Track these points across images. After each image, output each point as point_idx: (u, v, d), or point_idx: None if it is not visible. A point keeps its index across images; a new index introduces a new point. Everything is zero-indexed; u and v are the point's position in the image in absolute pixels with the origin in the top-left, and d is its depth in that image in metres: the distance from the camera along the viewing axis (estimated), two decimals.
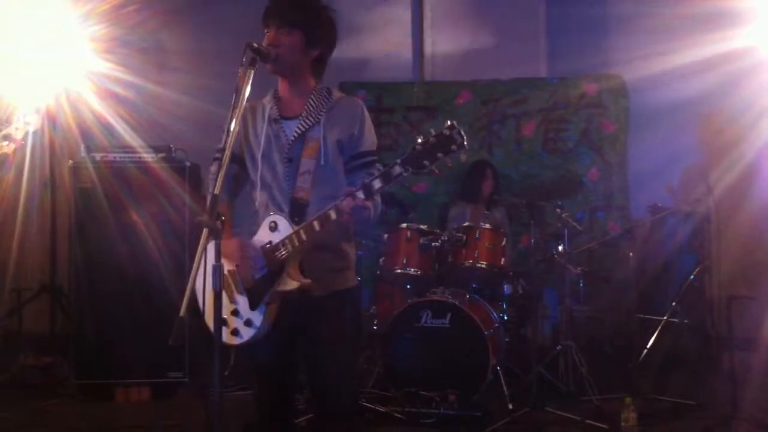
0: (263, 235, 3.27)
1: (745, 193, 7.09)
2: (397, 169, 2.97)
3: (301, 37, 3.32)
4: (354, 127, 3.37)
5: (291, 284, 3.21)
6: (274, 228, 3.25)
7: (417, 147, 2.96)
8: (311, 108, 3.36)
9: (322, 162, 3.30)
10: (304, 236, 3.17)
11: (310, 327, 3.33)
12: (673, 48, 7.01)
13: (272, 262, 3.23)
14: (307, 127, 3.33)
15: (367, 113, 3.44)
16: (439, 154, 2.93)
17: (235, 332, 3.27)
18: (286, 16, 3.30)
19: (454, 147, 2.94)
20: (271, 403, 3.45)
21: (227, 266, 3.22)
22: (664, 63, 7.04)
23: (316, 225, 3.15)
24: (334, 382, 3.37)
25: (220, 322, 2.96)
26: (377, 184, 3.03)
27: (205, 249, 2.91)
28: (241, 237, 3.34)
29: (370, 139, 3.41)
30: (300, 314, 3.28)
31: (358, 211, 3.09)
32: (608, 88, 7.63)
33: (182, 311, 2.76)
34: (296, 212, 3.28)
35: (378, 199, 3.26)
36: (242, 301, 3.29)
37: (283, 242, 3.21)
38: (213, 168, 3.40)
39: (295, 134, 3.33)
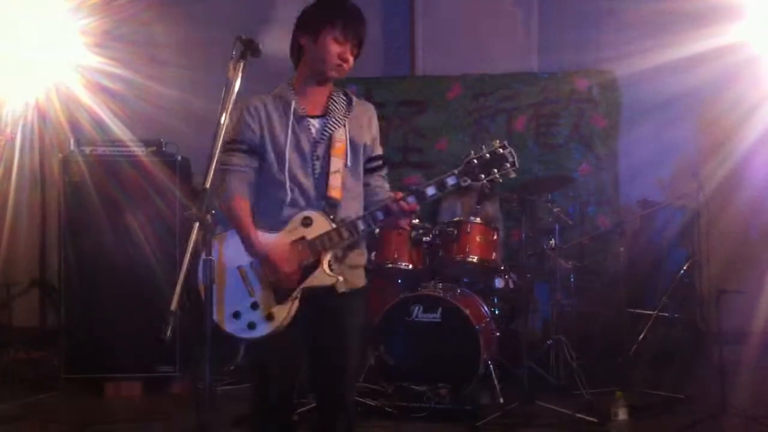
0: (293, 230, 3.30)
1: (735, 188, 7.11)
2: (453, 180, 3.18)
3: (357, 52, 3.42)
4: (372, 131, 3.51)
5: (327, 280, 3.28)
6: (308, 224, 3.29)
7: (473, 161, 3.16)
8: (335, 109, 3.42)
9: (349, 163, 3.39)
10: (346, 234, 3.26)
11: (331, 320, 3.37)
12: (665, 43, 7.02)
13: (305, 257, 3.27)
14: (334, 127, 3.39)
15: (377, 118, 3.57)
16: (494, 170, 3.16)
17: (252, 326, 3.28)
18: (363, 36, 3.39)
19: (507, 165, 3.16)
20: (274, 397, 3.45)
21: (246, 260, 3.27)
22: (655, 58, 7.05)
23: (361, 224, 3.27)
24: (347, 373, 3.43)
25: (211, 315, 2.97)
26: (431, 191, 3.22)
27: (196, 243, 2.91)
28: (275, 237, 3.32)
29: (379, 143, 3.56)
30: (323, 308, 3.32)
31: (408, 214, 3.24)
32: (599, 83, 7.62)
33: (173, 305, 2.76)
34: (330, 210, 3.33)
35: None
36: (264, 295, 3.29)
37: (321, 238, 3.26)
38: (232, 159, 3.35)
39: (323, 133, 3.38)
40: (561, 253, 6.33)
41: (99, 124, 7.08)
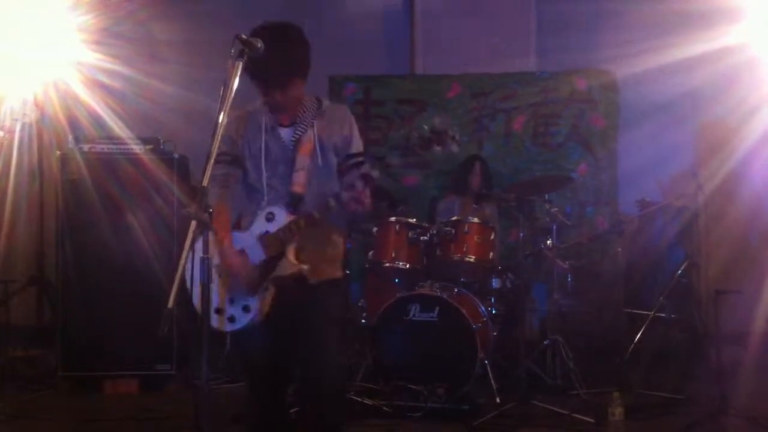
0: (259, 226, 3.52)
1: (734, 189, 7.12)
2: (395, 159, 3.41)
3: (300, 79, 3.56)
4: (345, 130, 3.67)
5: (290, 268, 3.46)
6: (271, 218, 3.50)
7: (414, 140, 3.35)
8: (304, 115, 3.62)
9: (320, 162, 3.58)
10: (302, 223, 3.44)
11: (302, 313, 3.52)
12: (665, 44, 7.02)
13: (271, 249, 3.46)
14: (302, 132, 3.59)
15: (353, 117, 3.75)
16: (437, 148, 3.47)
17: (232, 319, 3.48)
18: (283, 75, 3.49)
19: (450, 143, 3.45)
20: (265, 392, 3.61)
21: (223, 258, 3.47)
22: (654, 59, 7.05)
23: (316, 213, 3.43)
24: (321, 364, 3.54)
25: (208, 313, 3.00)
26: (375, 174, 3.41)
27: (193, 241, 2.92)
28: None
29: (358, 141, 3.70)
30: (293, 301, 3.47)
31: (358, 199, 3.35)
32: (598, 83, 7.64)
33: (170, 303, 2.76)
34: (293, 204, 3.53)
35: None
36: (239, 289, 3.48)
37: (282, 229, 3.46)
38: (217, 169, 3.46)
39: (293, 140, 3.59)
40: (558, 253, 6.33)
41: (97, 122, 7.08)
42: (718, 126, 7.31)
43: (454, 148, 3.43)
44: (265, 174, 3.57)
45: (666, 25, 7.31)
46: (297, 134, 3.58)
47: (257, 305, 3.45)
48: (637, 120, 7.55)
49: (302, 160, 3.54)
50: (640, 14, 7.54)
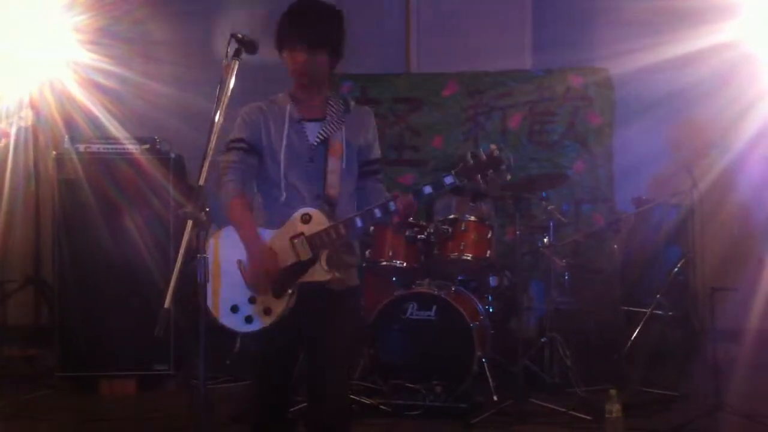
0: (292, 227, 3.38)
1: (730, 186, 7.12)
2: (450, 179, 3.27)
3: (327, 53, 3.46)
4: (369, 134, 3.62)
5: (324, 275, 3.35)
6: (307, 220, 3.37)
7: (469, 162, 3.26)
8: (332, 113, 3.54)
9: (344, 165, 3.49)
10: (343, 230, 3.34)
11: (322, 320, 3.43)
12: (660, 41, 7.03)
13: (304, 252, 3.35)
14: (330, 131, 3.50)
15: (374, 121, 3.69)
16: (490, 171, 3.26)
17: (249, 319, 3.36)
18: (317, 37, 3.42)
19: (503, 167, 3.27)
20: (271, 393, 3.54)
21: (244, 255, 3.35)
22: (650, 56, 7.06)
23: (359, 221, 3.35)
24: (336, 372, 3.47)
25: (205, 313, 2.98)
26: (427, 190, 3.30)
27: (190, 241, 2.92)
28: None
29: (378, 147, 3.67)
30: (312, 307, 3.37)
31: (407, 208, 3.31)
32: (594, 80, 7.64)
33: (167, 303, 2.76)
34: (328, 208, 3.43)
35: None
36: (261, 289, 3.36)
37: (320, 234, 3.34)
38: (232, 156, 3.48)
39: (319, 137, 3.49)
40: (555, 250, 6.34)
41: (93, 122, 7.06)
42: (714, 122, 7.30)
43: (507, 176, 3.40)
44: (282, 169, 3.46)
45: (661, 22, 7.31)
46: (324, 132, 3.49)
47: (281, 308, 3.33)
48: (633, 117, 7.55)
49: (333, 162, 3.46)
50: (636, 11, 7.54)
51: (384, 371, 5.66)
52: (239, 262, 3.34)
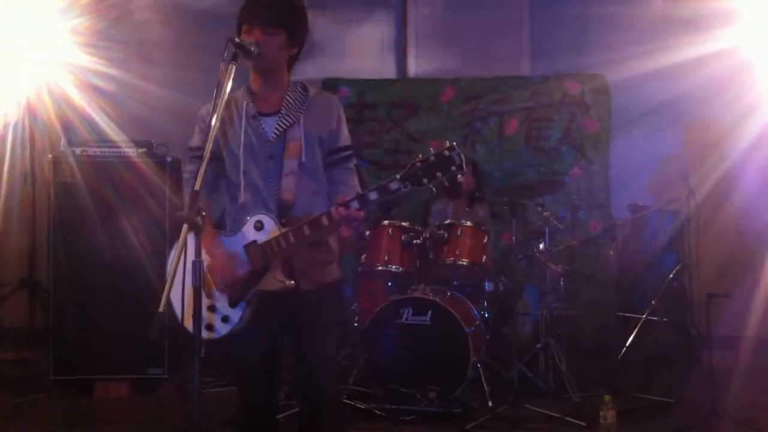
0: (247, 234, 3.31)
1: (727, 193, 7.13)
2: (396, 184, 3.09)
3: (284, 36, 3.36)
4: (332, 122, 3.47)
5: (275, 284, 3.26)
6: (260, 227, 3.29)
7: (417, 164, 3.07)
8: (289, 105, 3.42)
9: (303, 159, 3.36)
10: (292, 239, 3.23)
11: (298, 320, 3.38)
12: (657, 48, 7.04)
13: (257, 261, 3.27)
14: (287, 125, 3.39)
15: (341, 108, 3.54)
16: (438, 174, 3.05)
17: (209, 327, 3.30)
18: (273, 16, 3.33)
19: (453, 168, 3.05)
20: (256, 395, 3.50)
21: (206, 262, 3.25)
22: (647, 63, 7.07)
23: (306, 229, 3.23)
24: (322, 372, 3.43)
25: (200, 317, 2.98)
26: (373, 196, 3.15)
27: (184, 245, 2.91)
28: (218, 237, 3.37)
29: (345, 134, 3.52)
30: (287, 307, 3.32)
31: (351, 221, 3.19)
32: (591, 87, 7.66)
33: (161, 306, 2.76)
34: (282, 213, 3.33)
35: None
36: (220, 298, 3.32)
37: (270, 243, 3.26)
38: (190, 167, 3.46)
39: (276, 132, 3.39)
40: (551, 256, 6.34)
41: (90, 125, 7.06)
42: (711, 129, 7.31)
43: (459, 177, 3.18)
44: (242, 169, 3.37)
45: (658, 28, 7.33)
46: (281, 127, 3.38)
47: (238, 316, 3.28)
48: (630, 124, 7.57)
49: (290, 163, 3.35)
50: (632, 18, 7.56)
51: (379, 376, 5.65)
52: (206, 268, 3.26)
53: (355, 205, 3.16)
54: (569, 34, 7.86)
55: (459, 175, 3.06)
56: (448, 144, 3.07)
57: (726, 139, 7.14)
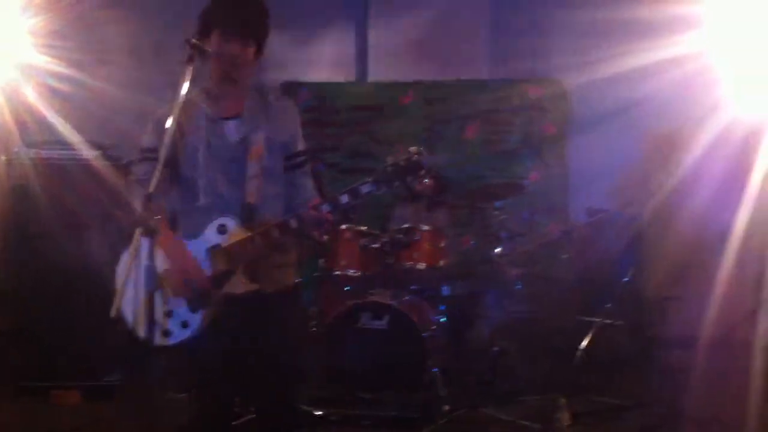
0: (209, 237, 3.29)
1: (684, 197, 7.19)
2: (367, 187, 3.17)
3: (256, 48, 3.38)
4: (292, 128, 3.50)
5: (240, 288, 3.25)
6: (223, 230, 3.28)
7: (388, 168, 3.15)
8: (250, 109, 3.42)
9: (266, 163, 3.36)
10: (260, 242, 3.24)
11: (259, 323, 3.34)
12: (616, 52, 7.07)
13: (221, 264, 3.26)
14: (249, 129, 3.38)
15: (298, 113, 3.58)
16: (409, 178, 3.18)
17: (166, 333, 3.25)
18: (252, 31, 3.36)
19: (422, 172, 3.21)
20: (212, 401, 3.46)
21: (164, 266, 3.23)
22: (606, 68, 7.10)
23: (275, 232, 3.24)
24: (279, 377, 3.41)
25: (154, 323, 2.94)
26: (344, 199, 3.19)
27: (138, 248, 2.88)
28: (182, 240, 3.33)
29: (302, 140, 3.54)
30: (249, 311, 3.29)
31: (321, 224, 3.23)
32: (550, 91, 7.72)
33: (113, 312, 2.73)
34: (247, 216, 3.31)
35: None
36: (179, 302, 3.27)
37: (235, 246, 3.25)
38: (141, 168, 3.41)
39: (238, 136, 3.38)
40: (509, 260, 6.37)
41: (46, 126, 6.95)
42: (669, 134, 7.37)
43: (425, 181, 3.29)
44: (204, 173, 3.35)
45: (619, 33, 7.36)
46: (243, 131, 3.37)
47: (198, 321, 3.24)
48: (588, 128, 7.61)
49: (253, 167, 3.33)
50: (593, 23, 7.59)
51: (336, 381, 5.64)
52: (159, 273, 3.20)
53: (326, 207, 3.20)
54: (529, 38, 7.90)
55: (426, 180, 3.17)
56: (416, 149, 3.16)
57: (684, 144, 7.19)
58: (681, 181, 7.08)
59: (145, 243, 2.94)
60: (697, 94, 7.06)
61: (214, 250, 3.27)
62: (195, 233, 3.32)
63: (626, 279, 6.52)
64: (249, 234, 3.24)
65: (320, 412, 5.43)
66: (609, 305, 6.49)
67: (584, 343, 6.35)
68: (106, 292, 5.61)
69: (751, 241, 5.64)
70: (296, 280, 3.52)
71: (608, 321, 6.48)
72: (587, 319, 6.67)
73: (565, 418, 5.20)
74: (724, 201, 7.22)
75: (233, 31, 3.30)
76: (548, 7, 7.87)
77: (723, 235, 7.05)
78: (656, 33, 6.86)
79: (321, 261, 6.17)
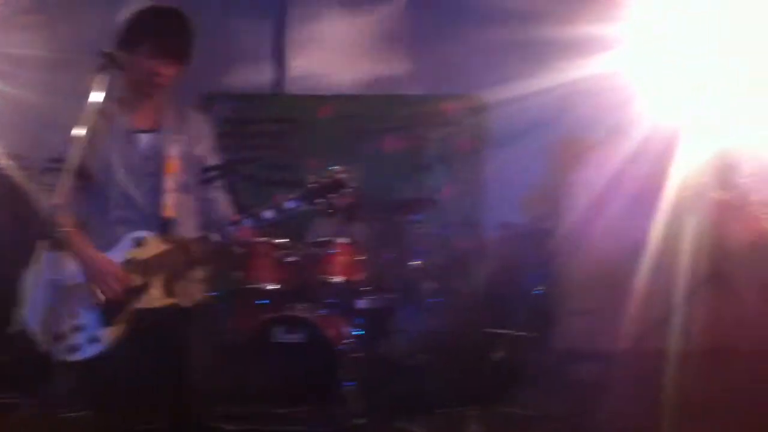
0: (124, 251, 3.24)
1: (597, 212, 7.32)
2: (291, 204, 3.26)
3: (179, 66, 3.37)
4: (205, 142, 3.52)
5: (155, 302, 3.22)
6: (139, 244, 3.24)
7: (311, 186, 3.26)
8: (167, 123, 3.41)
9: (182, 177, 3.37)
10: (179, 256, 3.24)
11: (173, 338, 3.31)
12: (533, 69, 7.19)
13: (136, 278, 3.21)
14: (166, 142, 3.37)
15: (212, 127, 3.60)
16: (331, 195, 3.27)
17: (74, 348, 3.18)
18: (181, 52, 3.35)
19: (345, 190, 3.32)
20: (120, 418, 3.36)
21: (77, 279, 3.19)
22: (523, 85, 7.21)
23: (194, 246, 3.24)
24: (192, 392, 3.39)
25: (56, 337, 2.89)
26: (268, 215, 3.27)
27: (40, 260, 2.84)
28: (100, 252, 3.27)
29: (216, 155, 3.56)
30: (164, 325, 3.26)
31: (242, 238, 3.29)
32: (467, 108, 7.80)
33: (12, 326, 2.68)
34: (164, 230, 3.29)
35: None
36: (89, 317, 3.20)
37: (152, 259, 3.22)
38: (50, 178, 3.32)
39: (153, 149, 3.36)
40: (425, 273, 6.40)
41: None
42: (585, 150, 7.50)
43: (350, 200, 3.39)
44: (116, 185, 3.31)
45: (536, 52, 7.49)
46: (158, 144, 3.37)
47: (109, 337, 3.18)
48: (504, 144, 7.72)
49: (170, 180, 3.32)
50: (509, 40, 7.71)
51: (249, 396, 5.57)
52: (62, 287, 3.17)
53: (248, 222, 3.23)
54: (448, 54, 7.97)
55: (350, 198, 3.23)
56: (340, 168, 3.31)
57: (599, 160, 7.33)
58: (595, 197, 7.24)
59: (50, 256, 2.89)
60: (612, 112, 7.23)
61: (130, 263, 3.23)
62: (107, 246, 3.27)
63: (537, 292, 6.61)
64: (166, 247, 3.23)
65: (232, 428, 5.37)
66: (522, 319, 6.57)
67: (495, 355, 6.42)
68: (9, 306, 5.56)
69: (663, 253, 5.80)
70: (213, 295, 3.55)
71: (519, 333, 6.56)
72: (499, 331, 6.75)
73: (474, 430, 5.24)
74: (637, 214, 7.40)
75: (157, 49, 3.29)
76: (466, 24, 7.96)
77: (635, 248, 7.25)
78: (572, 52, 7.00)
79: (237, 274, 6.11)
